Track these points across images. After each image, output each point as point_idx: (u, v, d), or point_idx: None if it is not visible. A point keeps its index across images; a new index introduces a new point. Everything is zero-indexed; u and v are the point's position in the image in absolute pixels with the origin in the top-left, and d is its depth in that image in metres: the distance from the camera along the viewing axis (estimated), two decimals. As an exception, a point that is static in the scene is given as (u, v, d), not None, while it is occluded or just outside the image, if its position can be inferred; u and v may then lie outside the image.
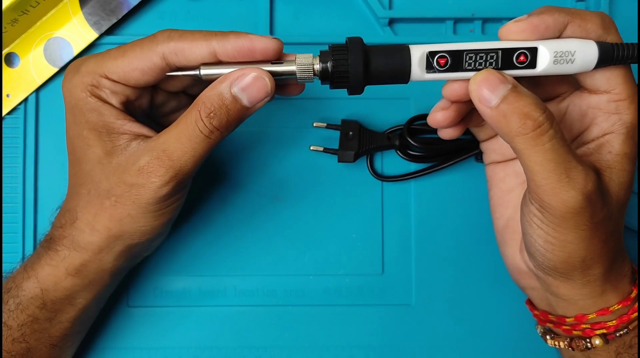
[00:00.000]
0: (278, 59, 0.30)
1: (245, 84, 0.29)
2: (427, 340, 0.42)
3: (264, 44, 0.29)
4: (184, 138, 0.29)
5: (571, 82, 0.32)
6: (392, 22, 0.42)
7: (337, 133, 0.41)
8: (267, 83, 0.29)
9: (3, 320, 0.32)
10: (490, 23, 0.42)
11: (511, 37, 0.29)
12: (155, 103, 0.34)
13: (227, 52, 0.29)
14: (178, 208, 0.33)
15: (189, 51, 0.29)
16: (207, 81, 0.30)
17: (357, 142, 0.40)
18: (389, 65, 0.29)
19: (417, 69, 0.29)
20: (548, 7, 0.29)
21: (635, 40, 0.42)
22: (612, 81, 0.30)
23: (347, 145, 0.40)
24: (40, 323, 0.33)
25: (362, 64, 0.29)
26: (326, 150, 0.41)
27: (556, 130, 0.27)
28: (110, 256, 0.33)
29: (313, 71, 0.29)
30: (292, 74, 0.29)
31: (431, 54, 0.29)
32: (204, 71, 0.30)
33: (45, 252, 0.33)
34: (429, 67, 0.29)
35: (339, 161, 0.41)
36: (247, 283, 0.42)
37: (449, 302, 0.42)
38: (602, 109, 0.30)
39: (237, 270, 0.42)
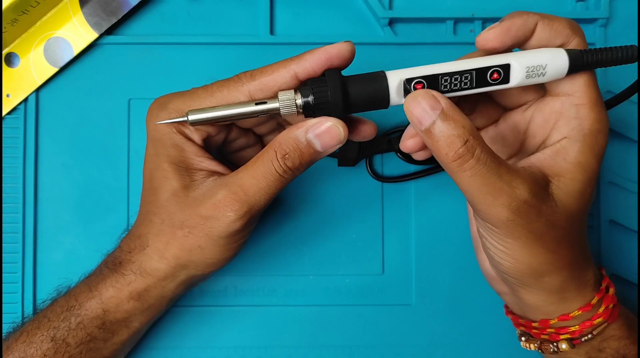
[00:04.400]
0: (351, 60, 0.31)
1: (320, 131, 0.30)
2: (427, 340, 0.42)
3: (337, 50, 0.30)
4: (260, 175, 0.31)
5: (537, 91, 0.33)
6: (392, 22, 0.42)
7: None
8: (341, 131, 0.30)
9: (62, 337, 0.33)
10: (490, 23, 0.42)
11: (488, 44, 0.30)
12: (228, 139, 0.36)
13: (307, 70, 0.30)
14: (242, 246, 0.34)
15: (273, 82, 0.31)
16: (281, 119, 0.34)
17: (358, 146, 0.40)
18: (367, 94, 0.30)
19: (395, 96, 0.30)
20: (518, 11, 0.30)
21: (636, 41, 0.43)
22: (574, 84, 0.30)
23: (347, 149, 0.40)
24: (96, 343, 0.34)
25: (341, 95, 0.29)
26: None
27: (478, 157, 0.28)
28: (173, 284, 0.34)
29: (295, 105, 0.30)
30: (276, 111, 0.30)
31: (408, 81, 0.29)
32: (192, 117, 0.31)
33: (111, 274, 0.34)
34: (407, 93, 0.30)
35: (339, 165, 0.41)
36: (247, 283, 0.42)
37: (448, 302, 0.42)
38: (564, 113, 0.31)
39: (238, 270, 0.42)
